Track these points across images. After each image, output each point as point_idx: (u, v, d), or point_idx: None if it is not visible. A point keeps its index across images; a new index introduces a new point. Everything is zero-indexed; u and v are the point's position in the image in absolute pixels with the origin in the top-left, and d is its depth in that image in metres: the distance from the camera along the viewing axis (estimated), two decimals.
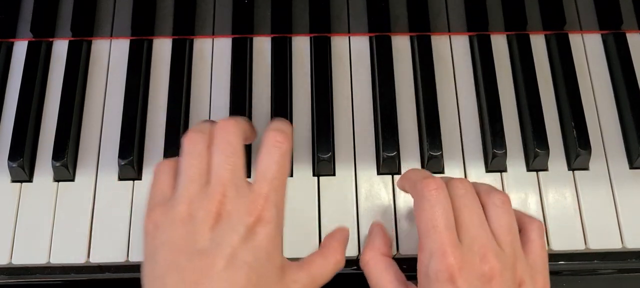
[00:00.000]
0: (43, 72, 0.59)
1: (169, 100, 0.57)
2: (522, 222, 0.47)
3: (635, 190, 0.55)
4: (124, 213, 0.53)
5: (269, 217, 0.42)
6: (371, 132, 0.57)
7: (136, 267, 0.53)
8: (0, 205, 0.53)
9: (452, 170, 0.55)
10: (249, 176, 0.53)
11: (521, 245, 0.45)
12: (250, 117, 0.57)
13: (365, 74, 0.59)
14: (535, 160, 0.55)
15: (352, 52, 0.60)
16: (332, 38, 0.60)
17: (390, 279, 0.46)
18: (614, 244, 0.53)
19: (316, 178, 0.55)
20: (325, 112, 0.56)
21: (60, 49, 0.60)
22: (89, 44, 0.60)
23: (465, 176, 0.55)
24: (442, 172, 0.55)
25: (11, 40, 0.60)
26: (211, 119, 0.57)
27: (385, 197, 0.54)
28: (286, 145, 0.45)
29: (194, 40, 0.60)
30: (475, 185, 0.47)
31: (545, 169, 0.56)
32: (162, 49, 0.60)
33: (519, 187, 0.55)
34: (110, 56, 0.60)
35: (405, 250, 0.52)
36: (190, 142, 0.45)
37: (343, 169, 0.55)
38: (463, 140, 0.57)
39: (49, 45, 0.60)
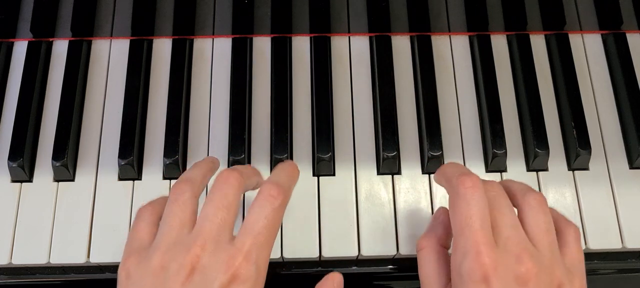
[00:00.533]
0: (43, 72, 0.59)
1: (169, 100, 0.57)
2: (558, 224, 0.45)
3: (635, 190, 0.55)
4: (124, 213, 0.53)
5: (246, 276, 0.39)
6: (371, 132, 0.57)
7: None
8: (0, 205, 0.53)
9: None
10: None
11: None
12: (250, 117, 0.57)
13: (365, 74, 0.59)
14: (535, 160, 0.55)
15: (352, 52, 0.60)
16: (332, 38, 0.60)
17: (441, 274, 0.45)
18: (614, 244, 0.53)
19: (316, 178, 0.55)
20: (325, 112, 0.56)
21: (60, 49, 0.60)
22: (89, 44, 0.60)
23: None
24: None
25: (11, 40, 0.60)
26: (211, 121, 0.57)
27: (385, 197, 0.54)
28: (280, 200, 0.42)
29: (194, 40, 0.60)
30: (511, 185, 0.46)
31: (545, 169, 0.56)
32: (162, 49, 0.60)
33: None
34: (110, 56, 0.60)
35: (406, 250, 0.52)
36: (177, 190, 0.43)
37: (343, 169, 0.55)
38: (463, 140, 0.57)
39: (49, 45, 0.60)
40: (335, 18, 0.59)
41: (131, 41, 0.60)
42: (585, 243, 0.53)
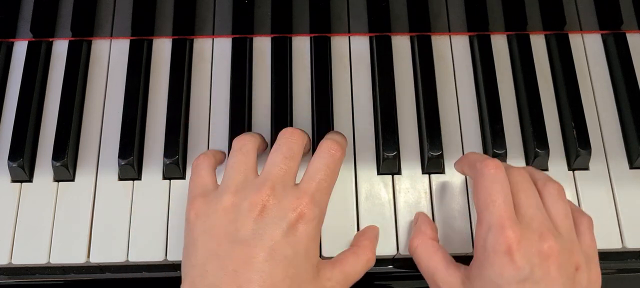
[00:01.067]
0: (43, 72, 0.59)
1: (169, 100, 0.57)
2: (573, 214, 0.48)
3: (635, 190, 0.55)
4: (124, 213, 0.53)
5: (311, 216, 0.44)
6: (371, 132, 0.57)
7: (136, 267, 0.54)
8: (0, 205, 0.53)
9: (452, 170, 0.55)
10: None
11: None
12: (250, 117, 0.57)
13: (365, 74, 0.59)
14: (535, 160, 0.55)
15: (352, 52, 0.60)
16: (332, 38, 0.60)
17: (440, 260, 0.48)
18: (614, 244, 0.53)
19: None
20: (325, 112, 0.56)
21: (60, 49, 0.60)
22: (89, 44, 0.60)
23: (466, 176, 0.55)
24: (443, 172, 0.55)
25: (11, 40, 0.60)
26: (211, 121, 0.57)
27: (385, 197, 0.54)
28: (339, 154, 0.47)
29: (194, 40, 0.60)
30: (532, 174, 0.49)
31: (545, 169, 0.56)
32: (162, 49, 0.60)
33: None
34: (110, 56, 0.60)
35: (406, 250, 0.52)
36: (240, 141, 0.48)
37: (343, 169, 0.55)
38: (463, 140, 0.57)
39: (49, 45, 0.60)
40: (335, 18, 0.59)
41: (131, 41, 0.60)
42: None
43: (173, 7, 0.58)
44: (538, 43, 0.61)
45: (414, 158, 0.56)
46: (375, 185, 0.55)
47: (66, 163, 0.54)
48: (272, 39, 0.60)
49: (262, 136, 0.52)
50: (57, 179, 0.54)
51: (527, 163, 0.56)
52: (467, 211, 0.54)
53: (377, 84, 0.58)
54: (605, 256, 0.55)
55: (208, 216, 0.44)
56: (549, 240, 0.43)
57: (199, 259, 0.43)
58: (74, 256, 0.52)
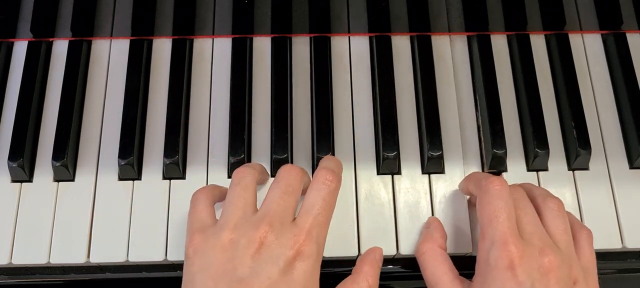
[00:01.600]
0: (43, 72, 0.59)
1: (169, 100, 0.57)
2: (573, 227, 0.49)
3: (635, 190, 0.55)
4: (124, 213, 0.53)
5: (309, 252, 0.43)
6: (371, 132, 0.57)
7: (136, 267, 0.54)
8: (0, 205, 0.53)
9: (452, 170, 0.55)
10: None
11: None
12: (250, 117, 0.57)
13: (365, 74, 0.59)
14: (535, 160, 0.55)
15: (352, 52, 0.60)
16: (332, 38, 0.60)
17: (446, 271, 0.48)
18: (614, 244, 0.53)
19: None
20: (325, 112, 0.56)
21: (60, 49, 0.60)
22: (89, 44, 0.60)
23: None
24: (443, 172, 0.55)
25: (11, 40, 0.60)
26: (211, 121, 0.57)
27: (385, 197, 0.54)
28: (335, 184, 0.46)
29: (194, 40, 0.60)
30: (533, 189, 0.50)
31: (545, 169, 0.56)
32: (162, 49, 0.60)
33: None
34: (110, 56, 0.60)
35: (405, 250, 0.52)
36: (239, 174, 0.47)
37: (343, 169, 0.55)
38: (463, 140, 0.57)
39: (49, 45, 0.60)
40: (335, 18, 0.59)
41: (131, 41, 0.60)
42: None
43: (173, 7, 0.58)
44: (538, 43, 0.61)
45: (413, 159, 0.56)
46: (375, 185, 0.55)
47: (66, 163, 0.54)
48: (272, 39, 0.60)
49: (262, 167, 0.52)
50: (57, 179, 0.54)
51: (527, 163, 0.56)
52: (467, 211, 0.54)
53: (377, 83, 0.58)
54: (605, 256, 0.55)
55: (205, 253, 0.44)
56: (549, 255, 0.44)
57: None
58: (74, 256, 0.52)
